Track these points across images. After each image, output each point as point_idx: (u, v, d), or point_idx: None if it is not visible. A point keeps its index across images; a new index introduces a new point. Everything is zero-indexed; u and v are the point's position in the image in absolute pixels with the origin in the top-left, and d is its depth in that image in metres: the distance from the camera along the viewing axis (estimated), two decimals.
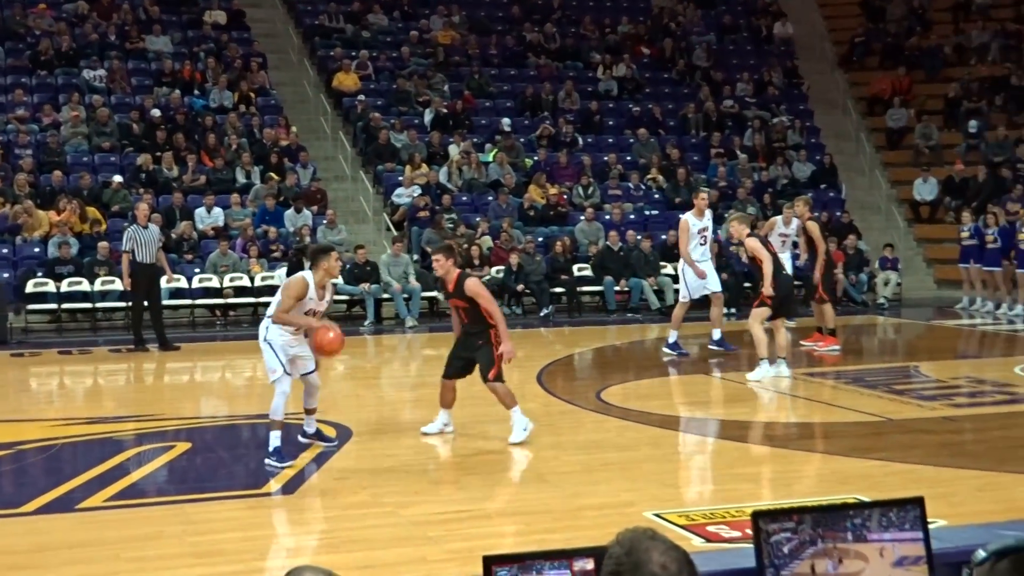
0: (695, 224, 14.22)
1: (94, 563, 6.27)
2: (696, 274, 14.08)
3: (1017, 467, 8.22)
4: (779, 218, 16.52)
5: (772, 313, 12.23)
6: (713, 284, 14.34)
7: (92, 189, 19.75)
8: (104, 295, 17.94)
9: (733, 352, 14.12)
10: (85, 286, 17.91)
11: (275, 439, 8.46)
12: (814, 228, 14.78)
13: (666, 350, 14.28)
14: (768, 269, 11.92)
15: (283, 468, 8.36)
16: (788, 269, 16.80)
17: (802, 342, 14.79)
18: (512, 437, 9.06)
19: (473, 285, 9.16)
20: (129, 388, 13.59)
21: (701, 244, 14.25)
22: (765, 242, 12.54)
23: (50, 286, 17.83)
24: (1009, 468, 8.21)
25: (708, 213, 14.58)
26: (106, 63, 22.67)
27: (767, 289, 11.98)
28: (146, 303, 15.59)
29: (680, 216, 15.05)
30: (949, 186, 23.08)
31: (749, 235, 12.39)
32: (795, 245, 15.67)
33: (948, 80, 25.83)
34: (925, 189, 23.38)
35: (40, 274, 17.99)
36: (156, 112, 21.51)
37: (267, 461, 8.45)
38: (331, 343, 8.75)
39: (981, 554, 3.02)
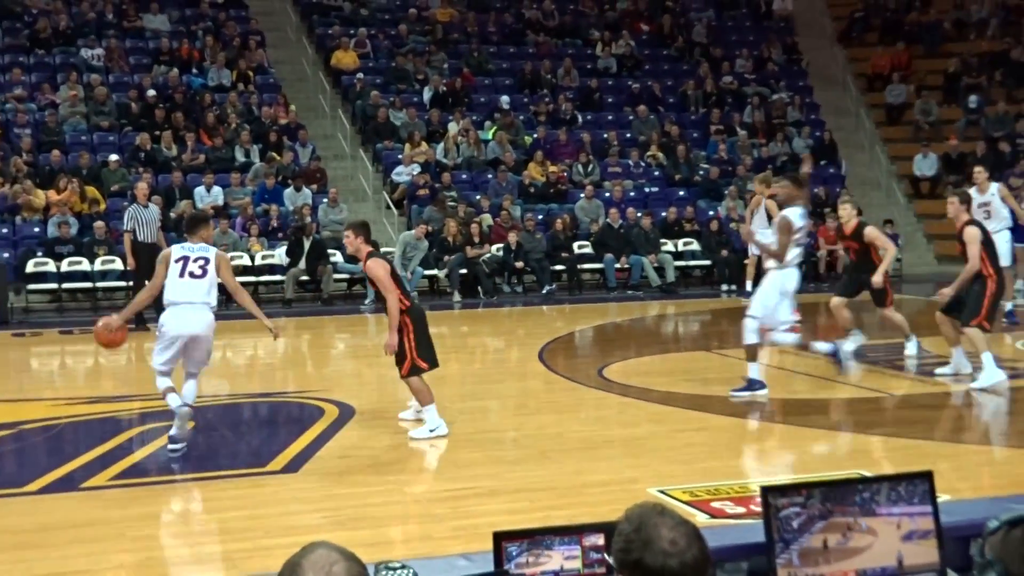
0: (976, 199, 13.83)
1: (99, 542, 6.24)
2: None
3: (1019, 442, 8.22)
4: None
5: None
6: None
7: (91, 168, 19.72)
8: (104, 275, 17.97)
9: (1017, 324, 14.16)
10: (85, 265, 17.93)
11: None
12: (772, 206, 14.77)
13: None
14: (889, 258, 11.62)
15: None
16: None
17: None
18: (415, 432, 8.61)
19: (372, 266, 8.57)
20: (130, 367, 13.56)
21: (985, 218, 13.74)
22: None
23: (50, 266, 17.85)
24: (1012, 443, 8.21)
25: (992, 187, 14.53)
26: (103, 42, 22.60)
27: (878, 278, 11.34)
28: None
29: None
30: (949, 161, 23.05)
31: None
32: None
33: (948, 55, 25.77)
34: (925, 164, 23.36)
35: (40, 254, 18.00)
36: (153, 92, 21.44)
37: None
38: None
39: (994, 523, 3.01)
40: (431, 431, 8.51)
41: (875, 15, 27.47)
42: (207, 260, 8.22)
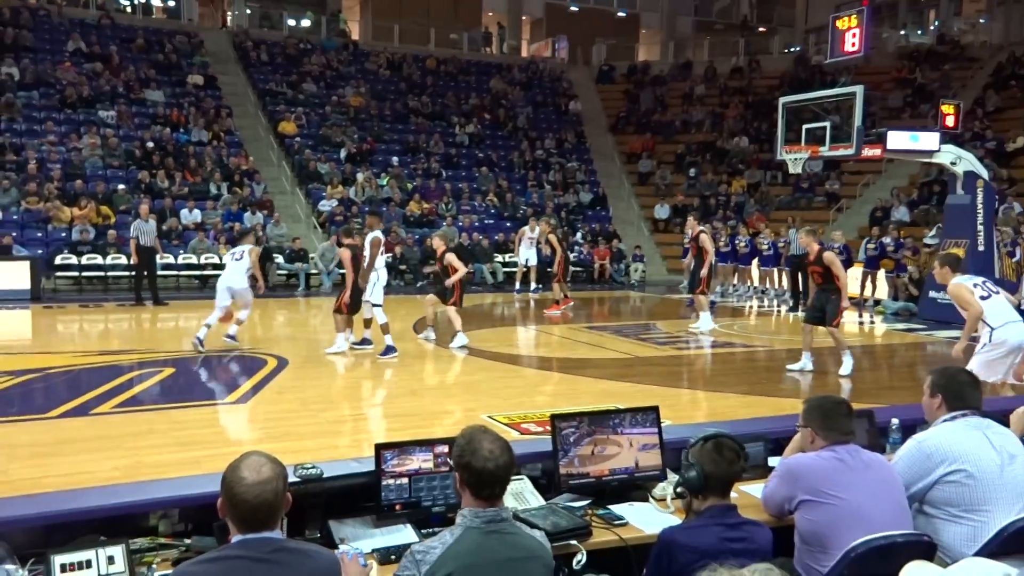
0: (687, 236, 13.71)
1: (102, 451, 5.93)
2: None
3: (716, 388, 8.53)
4: (526, 227, 17.24)
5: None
6: None
7: (105, 194, 18.66)
8: (113, 267, 17.04)
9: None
10: (99, 260, 16.98)
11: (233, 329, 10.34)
12: (554, 240, 15.09)
13: None
14: (460, 274, 10.55)
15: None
16: (533, 261, 17.28)
17: (546, 311, 15.05)
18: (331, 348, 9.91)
19: (342, 252, 10.05)
20: (131, 331, 12.87)
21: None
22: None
23: (73, 260, 16.84)
24: (711, 389, 8.52)
25: (699, 227, 13.64)
26: (115, 107, 21.39)
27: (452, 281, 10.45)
28: (145, 273, 14.89)
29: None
30: (676, 210, 23.81)
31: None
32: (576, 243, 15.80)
33: (677, 143, 26.56)
34: (662, 211, 24.09)
35: (65, 251, 16.95)
36: (151, 144, 20.42)
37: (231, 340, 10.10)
38: None
39: (694, 439, 3.11)
40: (355, 344, 9.98)
41: (632, 115, 28.16)
42: (245, 251, 10.33)
